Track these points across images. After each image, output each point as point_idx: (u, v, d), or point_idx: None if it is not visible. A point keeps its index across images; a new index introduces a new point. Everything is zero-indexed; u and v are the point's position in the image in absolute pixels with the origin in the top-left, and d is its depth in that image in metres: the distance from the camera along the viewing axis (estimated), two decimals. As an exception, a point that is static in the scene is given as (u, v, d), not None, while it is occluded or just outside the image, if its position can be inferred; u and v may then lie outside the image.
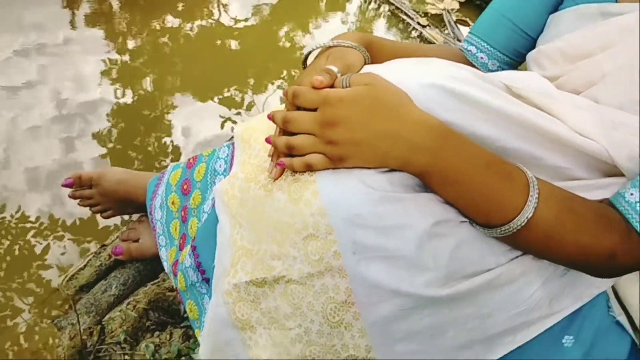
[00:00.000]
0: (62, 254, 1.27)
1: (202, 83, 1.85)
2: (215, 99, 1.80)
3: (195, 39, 2.07)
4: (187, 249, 0.82)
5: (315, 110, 0.60)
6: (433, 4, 2.43)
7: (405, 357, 0.62)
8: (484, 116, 0.60)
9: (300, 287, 0.62)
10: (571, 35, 0.75)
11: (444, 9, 2.39)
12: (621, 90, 0.67)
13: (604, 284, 0.68)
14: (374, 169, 0.59)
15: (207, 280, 0.80)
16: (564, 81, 0.74)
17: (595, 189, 0.65)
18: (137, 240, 1.17)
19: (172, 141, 1.62)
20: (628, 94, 0.66)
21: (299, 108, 0.62)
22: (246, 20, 2.24)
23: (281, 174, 0.64)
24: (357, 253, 0.58)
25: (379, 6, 2.45)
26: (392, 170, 0.60)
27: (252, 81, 1.92)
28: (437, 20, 2.38)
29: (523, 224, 0.58)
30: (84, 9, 2.10)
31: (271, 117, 0.64)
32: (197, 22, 2.16)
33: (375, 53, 0.80)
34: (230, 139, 1.46)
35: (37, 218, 1.34)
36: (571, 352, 0.69)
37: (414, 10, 2.39)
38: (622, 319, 0.71)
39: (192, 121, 1.69)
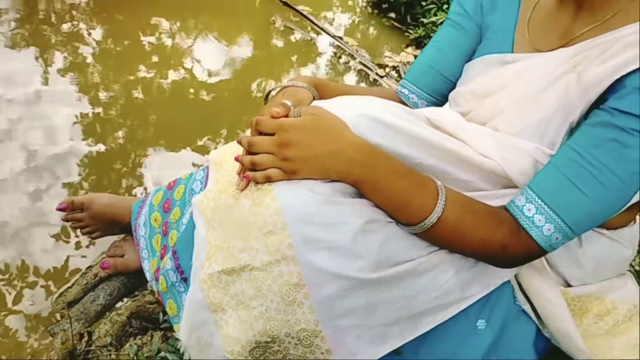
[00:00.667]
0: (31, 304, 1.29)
1: (175, 134, 1.87)
2: (188, 148, 1.81)
3: (169, 91, 2.10)
4: (168, 254, 0.96)
5: (273, 134, 0.76)
6: (391, 57, 2.57)
7: (346, 330, 0.78)
8: (405, 139, 0.78)
9: (261, 273, 0.75)
10: (479, 79, 0.94)
11: (400, 62, 2.54)
12: (515, 121, 0.85)
13: (506, 275, 0.86)
14: (320, 180, 0.75)
15: (185, 280, 0.93)
16: (474, 115, 0.92)
17: (495, 198, 0.83)
18: (122, 256, 1.31)
19: (144, 190, 1.62)
20: (520, 124, 0.84)
21: (261, 133, 0.77)
22: (218, 74, 2.29)
23: (246, 186, 0.78)
24: (306, 244, 0.73)
25: (349, 60, 2.54)
26: (333, 180, 0.75)
27: (224, 132, 1.94)
28: (396, 71, 2.53)
29: (434, 222, 0.75)
30: (58, 61, 2.12)
31: (239, 142, 0.80)
32: (171, 74, 2.19)
33: (322, 92, 0.97)
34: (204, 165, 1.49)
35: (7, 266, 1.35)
36: (484, 334, 0.87)
37: (374, 63, 2.52)
38: (527, 308, 0.90)
39: (165, 171, 1.70)
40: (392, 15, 2.92)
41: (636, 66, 0.72)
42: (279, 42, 2.61)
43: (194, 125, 1.95)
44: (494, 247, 0.77)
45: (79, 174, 1.63)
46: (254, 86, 2.28)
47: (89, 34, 2.32)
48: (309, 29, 2.69)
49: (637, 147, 0.71)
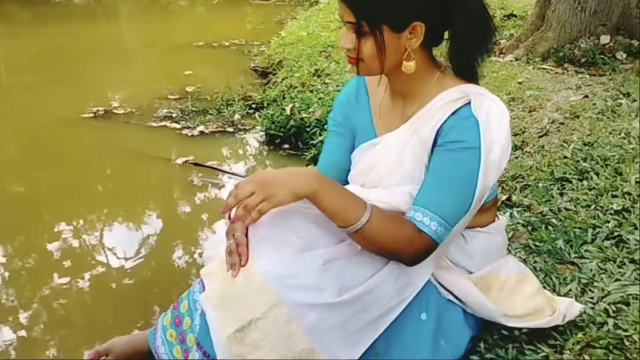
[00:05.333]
0: None
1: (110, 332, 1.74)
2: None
3: (89, 294, 2.14)
4: (193, 349, 1.28)
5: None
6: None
7: (331, 342, 1.15)
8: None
9: (263, 320, 1.11)
10: (362, 161, 1.36)
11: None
12: (392, 178, 1.28)
13: (425, 274, 1.26)
14: (284, 247, 1.16)
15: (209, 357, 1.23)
16: (367, 184, 1.33)
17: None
18: None
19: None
20: (396, 179, 1.27)
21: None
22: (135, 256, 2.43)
23: (237, 271, 1.15)
24: (286, 290, 1.10)
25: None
26: (294, 248, 1.17)
27: (158, 309, 2.01)
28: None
29: (364, 223, 1.15)
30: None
31: (224, 211, 1.20)
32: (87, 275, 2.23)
33: None
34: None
35: None
36: (427, 323, 1.26)
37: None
38: (451, 297, 1.30)
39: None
40: (286, 146, 3.43)
41: (446, 118, 1.19)
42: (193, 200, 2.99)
43: (123, 322, 1.93)
44: (404, 240, 1.17)
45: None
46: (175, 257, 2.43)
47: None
48: (221, 177, 3.11)
49: (464, 158, 1.17)
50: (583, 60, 3.81)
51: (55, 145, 3.71)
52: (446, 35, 1.26)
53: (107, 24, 9.33)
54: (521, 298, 1.32)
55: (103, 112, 4.15)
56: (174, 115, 4.04)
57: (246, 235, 1.19)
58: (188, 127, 3.81)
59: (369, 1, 1.15)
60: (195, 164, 3.23)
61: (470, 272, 1.33)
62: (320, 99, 3.51)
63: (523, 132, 2.68)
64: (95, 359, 1.53)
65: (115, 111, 4.17)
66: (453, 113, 1.20)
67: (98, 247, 2.50)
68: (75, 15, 10.05)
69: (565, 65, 3.80)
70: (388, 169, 1.30)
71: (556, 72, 3.63)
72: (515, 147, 2.56)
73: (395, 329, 1.23)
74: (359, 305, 1.17)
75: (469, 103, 1.20)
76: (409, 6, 1.16)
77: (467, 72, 1.27)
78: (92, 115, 4.09)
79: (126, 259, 2.39)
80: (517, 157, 2.47)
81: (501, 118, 1.20)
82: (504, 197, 2.13)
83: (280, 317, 1.11)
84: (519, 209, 2.00)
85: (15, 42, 7.11)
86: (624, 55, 3.77)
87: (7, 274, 2.27)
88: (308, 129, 3.31)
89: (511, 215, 1.94)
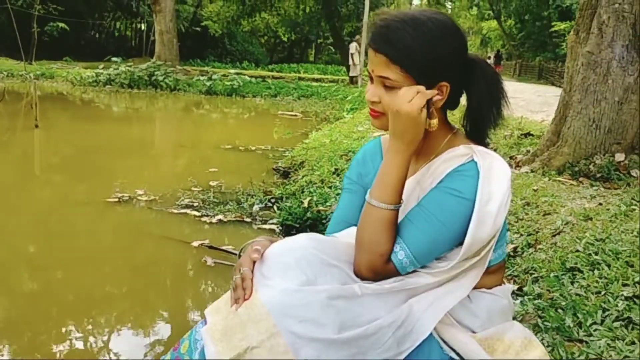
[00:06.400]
0: None
1: None
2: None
3: None
4: None
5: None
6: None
7: None
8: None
9: (259, 349, 1.11)
10: None
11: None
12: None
13: (424, 333, 1.22)
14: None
15: None
16: None
17: None
18: None
19: None
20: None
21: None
22: None
23: (240, 305, 1.15)
24: (285, 321, 1.11)
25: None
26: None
27: None
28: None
29: (379, 206, 1.24)
30: None
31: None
32: None
33: None
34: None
35: None
36: None
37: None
38: (453, 354, 1.26)
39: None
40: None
41: (449, 171, 1.26)
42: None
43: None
44: (377, 252, 1.22)
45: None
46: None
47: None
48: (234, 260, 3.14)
49: (453, 203, 1.23)
50: (598, 175, 3.88)
51: (77, 225, 3.82)
52: (462, 100, 1.36)
53: (142, 126, 9.86)
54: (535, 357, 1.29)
55: (127, 197, 4.29)
56: (195, 204, 4.15)
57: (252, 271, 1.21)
58: (207, 215, 3.90)
59: (408, 56, 1.24)
60: (210, 247, 3.27)
61: (474, 332, 1.32)
62: (338, 194, 3.61)
63: (537, 232, 2.69)
64: None
65: (138, 197, 4.31)
66: (458, 166, 1.26)
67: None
68: (113, 118, 10.68)
69: (581, 178, 3.87)
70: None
71: (571, 184, 3.69)
72: (527, 245, 2.57)
73: None
74: (357, 347, 1.15)
75: (474, 160, 1.26)
76: (440, 66, 1.26)
77: (478, 135, 1.35)
78: (116, 200, 4.22)
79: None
80: (530, 254, 2.47)
81: (502, 174, 1.25)
82: (515, 287, 2.11)
83: (277, 348, 1.10)
84: (530, 297, 1.98)
85: (55, 135, 7.54)
86: (639, 173, 3.84)
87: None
88: (324, 221, 3.37)
89: (522, 303, 1.93)
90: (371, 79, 1.31)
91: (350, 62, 18.04)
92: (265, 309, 1.13)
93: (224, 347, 1.14)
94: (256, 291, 1.17)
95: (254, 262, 1.22)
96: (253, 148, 6.71)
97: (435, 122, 1.29)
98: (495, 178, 1.24)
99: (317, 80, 20.58)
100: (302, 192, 3.92)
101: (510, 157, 4.57)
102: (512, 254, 2.52)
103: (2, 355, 1.98)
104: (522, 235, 2.69)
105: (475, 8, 36.91)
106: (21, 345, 2.02)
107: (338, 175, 4.07)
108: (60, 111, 10.60)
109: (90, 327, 2.31)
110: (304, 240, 1.25)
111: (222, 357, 1.13)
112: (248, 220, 3.84)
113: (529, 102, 10.03)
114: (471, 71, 1.32)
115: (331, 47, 36.96)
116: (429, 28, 1.25)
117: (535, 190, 3.39)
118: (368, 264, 1.23)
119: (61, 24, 25.23)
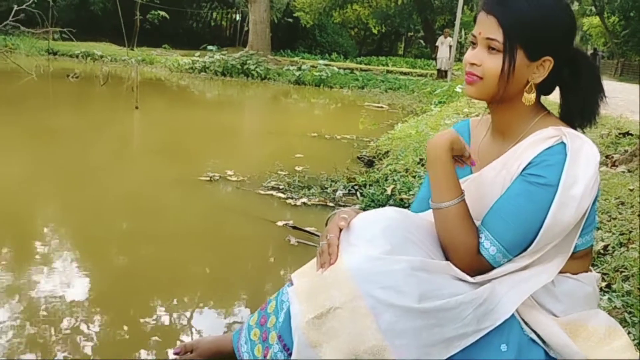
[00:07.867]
0: None
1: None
2: None
3: None
4: (273, 344, 1.35)
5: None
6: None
7: (400, 347, 1.17)
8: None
9: (341, 310, 1.18)
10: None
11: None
12: (480, 212, 1.33)
13: (508, 311, 1.25)
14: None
15: (290, 354, 1.30)
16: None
17: None
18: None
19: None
20: (482, 213, 1.33)
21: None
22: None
23: (325, 268, 1.24)
24: (367, 286, 1.17)
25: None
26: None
27: None
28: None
29: (444, 206, 1.28)
30: None
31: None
32: None
33: None
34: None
35: None
36: (507, 355, 1.24)
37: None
38: (534, 336, 1.28)
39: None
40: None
41: (537, 153, 1.26)
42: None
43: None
44: (465, 250, 1.27)
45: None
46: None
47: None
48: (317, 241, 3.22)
49: (538, 193, 1.23)
50: (702, 178, 3.64)
51: (170, 200, 4.04)
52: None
53: (233, 112, 10.22)
54: (609, 350, 1.27)
55: (217, 177, 4.48)
56: (280, 187, 4.28)
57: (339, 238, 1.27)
58: (292, 198, 4.01)
59: (519, 20, 1.24)
60: (294, 227, 3.38)
61: (556, 316, 1.31)
62: (421, 184, 3.59)
63: (630, 232, 2.59)
64: (180, 353, 1.61)
65: (228, 178, 4.49)
66: (546, 149, 1.25)
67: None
68: (206, 103, 11.13)
69: (682, 180, 3.65)
70: (475, 201, 1.35)
71: (671, 186, 3.49)
72: (619, 244, 2.48)
73: (473, 354, 1.22)
74: (435, 319, 1.19)
75: (563, 142, 1.25)
76: (550, 38, 1.26)
77: (572, 117, 1.34)
78: (207, 179, 4.43)
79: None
80: (621, 253, 2.38)
81: (591, 158, 1.24)
82: (604, 284, 2.05)
83: (358, 310, 1.16)
84: (619, 294, 1.92)
85: (153, 116, 7.99)
86: None
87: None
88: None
89: (610, 299, 1.87)
90: (473, 44, 1.30)
91: (438, 56, 17.85)
92: (349, 273, 1.19)
93: (308, 306, 1.21)
94: (341, 257, 1.23)
95: (340, 230, 1.28)
96: (338, 137, 6.79)
97: (532, 97, 1.29)
98: (583, 161, 1.22)
99: (405, 73, 20.34)
100: (386, 180, 3.94)
101: (607, 156, 4.37)
102: (602, 252, 2.44)
103: (94, 323, 2.12)
104: (614, 234, 2.59)
105: (576, 3, 35.07)
106: (112, 317, 2.15)
107: (422, 165, 4.05)
108: (158, 95, 11.19)
109: (175, 302, 2.44)
110: (391, 212, 1.29)
111: (306, 315, 1.19)
112: (331, 204, 3.91)
113: (629, 102, 9.46)
114: (574, 57, 1.31)
115: (421, 41, 36.40)
116: None
117: (631, 190, 3.24)
118: (460, 264, 1.27)
119: (162, 13, 26.49)
